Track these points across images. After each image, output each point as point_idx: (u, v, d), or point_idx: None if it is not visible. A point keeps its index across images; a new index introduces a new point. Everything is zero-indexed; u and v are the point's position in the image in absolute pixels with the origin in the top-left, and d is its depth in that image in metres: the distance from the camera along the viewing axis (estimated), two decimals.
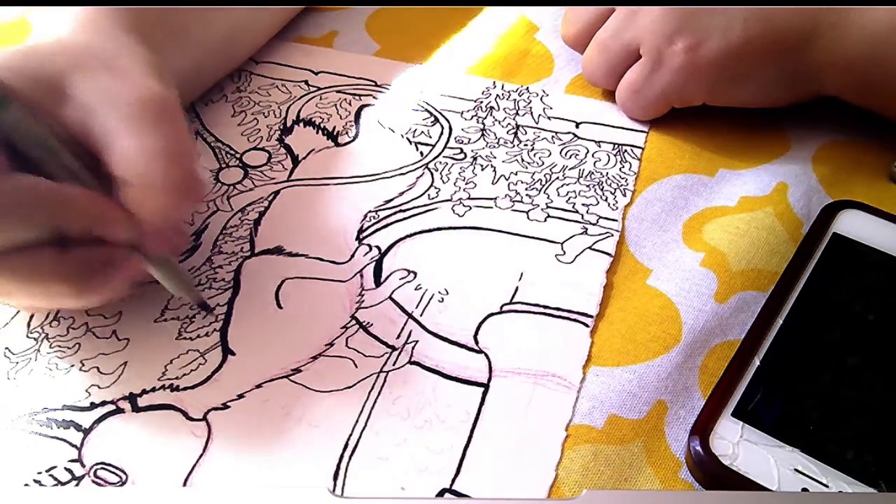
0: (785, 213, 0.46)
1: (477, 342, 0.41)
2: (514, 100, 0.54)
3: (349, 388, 0.40)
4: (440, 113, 0.53)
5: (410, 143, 0.51)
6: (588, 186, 0.48)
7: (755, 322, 0.40)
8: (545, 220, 0.46)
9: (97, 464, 0.38)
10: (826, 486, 0.34)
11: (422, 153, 0.51)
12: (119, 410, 0.40)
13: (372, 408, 0.39)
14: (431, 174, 0.49)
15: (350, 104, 0.54)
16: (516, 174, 0.49)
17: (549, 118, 0.52)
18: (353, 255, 0.46)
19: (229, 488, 0.37)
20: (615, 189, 0.48)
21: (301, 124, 0.53)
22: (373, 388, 0.40)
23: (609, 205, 0.47)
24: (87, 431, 0.39)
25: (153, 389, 0.40)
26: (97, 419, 0.40)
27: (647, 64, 0.49)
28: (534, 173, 0.49)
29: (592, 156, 0.50)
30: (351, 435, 0.38)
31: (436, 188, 0.49)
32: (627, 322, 0.42)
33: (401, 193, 0.49)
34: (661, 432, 0.38)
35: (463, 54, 0.58)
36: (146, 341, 0.42)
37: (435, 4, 0.63)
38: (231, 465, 0.37)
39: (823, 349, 0.39)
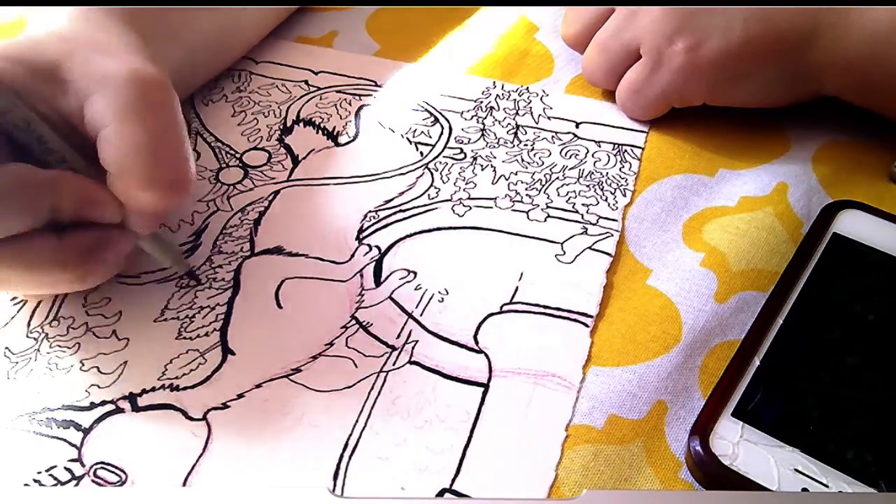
0: (785, 213, 0.46)
1: (477, 342, 0.41)
2: (514, 100, 0.54)
3: (349, 387, 0.40)
4: (440, 113, 0.53)
5: (410, 143, 0.51)
6: (588, 186, 0.48)
7: (755, 322, 0.40)
8: (545, 220, 0.46)
9: (97, 463, 0.38)
10: (826, 486, 0.34)
11: (422, 153, 0.51)
12: (119, 410, 0.40)
13: (372, 407, 0.39)
14: (431, 174, 0.49)
15: (350, 104, 0.54)
16: (516, 174, 0.49)
17: (549, 118, 0.52)
18: (353, 255, 0.46)
19: (229, 488, 0.37)
20: (615, 189, 0.48)
21: (301, 124, 0.53)
22: (373, 387, 0.40)
23: (609, 205, 0.47)
24: (86, 431, 0.39)
25: (153, 389, 0.40)
26: (97, 419, 0.40)
27: (647, 64, 0.49)
28: (534, 173, 0.49)
29: (592, 156, 0.50)
30: (351, 435, 0.38)
31: (436, 188, 0.49)
32: (627, 322, 0.42)
33: (401, 193, 0.49)
34: (661, 432, 0.38)
35: (463, 54, 0.58)
36: (146, 341, 0.42)
37: (435, 4, 0.63)
38: (231, 465, 0.37)
39: (823, 349, 0.39)
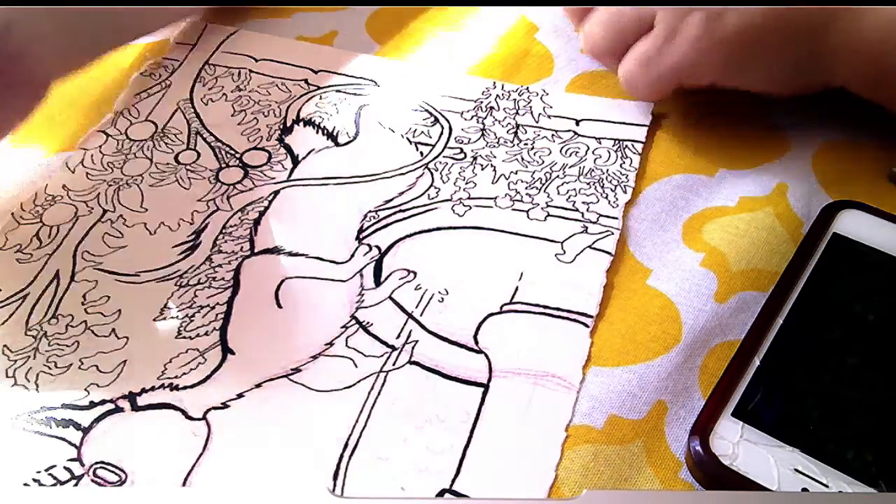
0: (785, 213, 0.46)
1: (477, 342, 0.41)
2: (514, 99, 0.53)
3: (349, 387, 0.40)
4: (440, 113, 0.53)
5: (410, 143, 0.51)
6: (588, 184, 0.48)
7: (755, 322, 0.40)
8: (545, 219, 0.46)
9: (96, 463, 0.38)
10: (826, 486, 0.34)
11: (422, 153, 0.51)
12: (118, 409, 0.40)
13: (372, 408, 0.39)
14: (431, 174, 0.49)
15: (350, 104, 0.54)
16: (516, 173, 0.49)
17: (549, 117, 0.52)
18: (352, 255, 0.46)
19: (229, 488, 0.37)
20: (615, 186, 0.48)
21: (301, 124, 0.53)
22: (372, 387, 0.40)
23: (609, 202, 0.47)
24: (86, 430, 0.39)
25: (152, 388, 0.40)
26: (96, 418, 0.39)
27: (659, 35, 0.48)
28: (534, 172, 0.49)
29: (593, 153, 0.50)
30: (351, 435, 0.38)
31: (436, 188, 0.49)
32: (627, 322, 0.42)
33: (401, 193, 0.49)
34: (661, 432, 0.38)
35: (463, 54, 0.58)
36: (146, 340, 0.42)
37: (435, 4, 0.62)
38: (231, 465, 0.37)
39: (823, 349, 0.38)
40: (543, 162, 0.49)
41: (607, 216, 0.46)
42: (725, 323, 0.41)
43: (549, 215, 0.47)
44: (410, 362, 0.41)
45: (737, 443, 0.36)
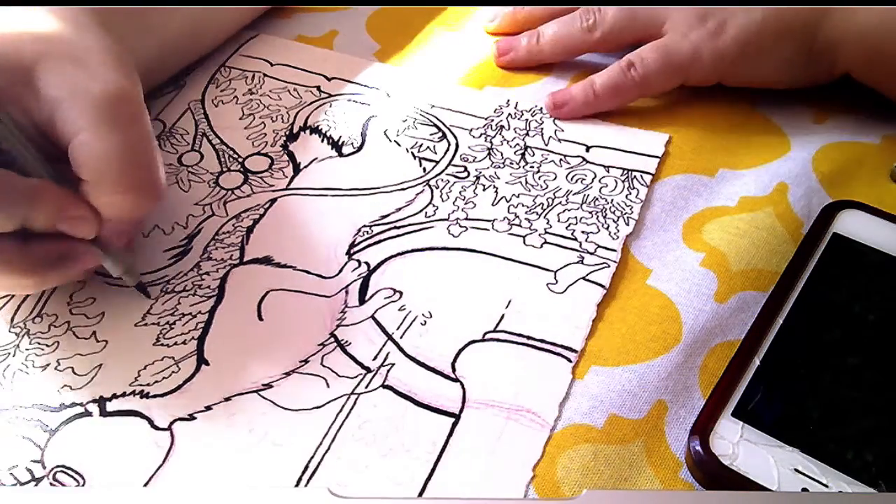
0: (785, 213, 0.45)
1: (454, 370, 0.40)
2: (527, 120, 0.52)
3: (318, 408, 0.39)
4: (448, 129, 0.52)
5: (415, 157, 0.50)
6: (591, 213, 0.46)
7: (755, 322, 0.40)
8: (541, 246, 0.45)
9: (57, 466, 0.38)
10: (826, 486, 0.34)
11: (424, 169, 0.50)
12: (87, 413, 0.40)
13: (338, 431, 0.38)
14: (432, 191, 0.48)
15: (359, 114, 0.54)
16: (518, 196, 0.48)
17: (559, 140, 0.51)
18: (340, 270, 0.45)
19: (230, 486, 0.36)
20: (618, 217, 0.46)
21: (307, 131, 0.53)
22: (341, 410, 0.39)
23: (610, 234, 0.45)
24: (52, 432, 0.39)
25: (123, 394, 0.40)
26: (64, 420, 0.39)
27: (672, 37, 0.51)
28: (536, 197, 0.48)
29: (599, 181, 0.48)
30: (312, 457, 0.37)
31: (434, 206, 0.48)
32: (627, 322, 0.42)
33: (398, 209, 0.48)
34: (661, 432, 0.37)
35: (463, 55, 0.57)
36: (124, 345, 0.42)
37: (435, 4, 0.62)
38: (189, 478, 0.37)
39: (823, 349, 0.38)
40: (547, 187, 0.48)
41: (606, 248, 0.45)
42: (725, 323, 0.41)
43: (545, 242, 0.45)
44: (384, 386, 0.40)
45: (737, 443, 0.35)
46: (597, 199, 0.47)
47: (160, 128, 0.54)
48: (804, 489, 0.34)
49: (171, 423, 0.39)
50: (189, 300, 0.44)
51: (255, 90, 0.56)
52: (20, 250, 0.39)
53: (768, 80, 0.51)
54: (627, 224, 0.46)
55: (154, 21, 0.51)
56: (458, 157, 0.50)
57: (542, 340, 0.41)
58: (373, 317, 0.43)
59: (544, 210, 0.47)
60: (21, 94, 0.39)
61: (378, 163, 0.51)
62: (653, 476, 0.36)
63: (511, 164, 0.50)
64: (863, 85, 0.49)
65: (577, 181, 0.48)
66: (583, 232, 0.46)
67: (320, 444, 0.38)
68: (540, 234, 0.46)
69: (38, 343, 0.43)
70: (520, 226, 0.46)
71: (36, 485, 0.37)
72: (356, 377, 0.40)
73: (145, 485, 0.37)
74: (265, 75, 0.57)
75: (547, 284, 0.43)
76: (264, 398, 0.40)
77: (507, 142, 0.51)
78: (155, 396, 0.40)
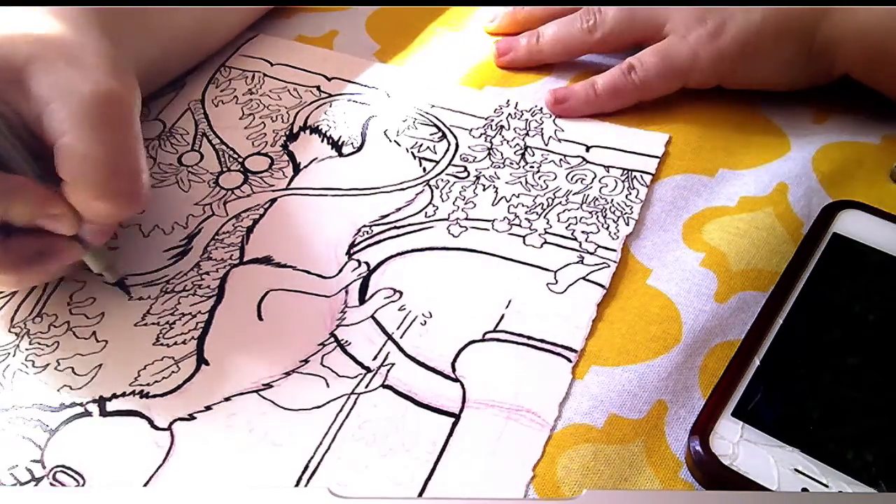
0: (785, 213, 0.45)
1: (454, 370, 0.40)
2: (527, 120, 0.52)
3: (318, 408, 0.39)
4: (449, 129, 0.52)
5: (415, 157, 0.50)
6: (591, 213, 0.46)
7: (755, 322, 0.40)
8: (541, 246, 0.45)
9: (57, 466, 0.38)
10: (826, 486, 0.34)
11: (424, 169, 0.50)
12: (87, 413, 0.40)
13: (338, 431, 0.38)
14: (432, 191, 0.48)
15: (359, 113, 0.54)
16: (518, 196, 0.48)
17: (559, 140, 0.51)
18: (340, 270, 0.45)
19: (230, 486, 0.36)
20: (618, 217, 0.46)
21: (307, 131, 0.53)
22: (341, 410, 0.39)
23: (610, 234, 0.45)
24: (52, 432, 0.39)
25: (123, 394, 0.40)
26: (64, 420, 0.39)
27: (672, 39, 0.51)
28: (536, 197, 0.48)
29: (599, 181, 0.48)
30: (312, 457, 0.37)
31: (434, 206, 0.48)
32: (627, 322, 0.42)
33: (398, 209, 0.48)
34: (661, 432, 0.37)
35: (463, 56, 0.57)
36: (124, 345, 0.42)
37: (435, 4, 0.62)
38: (189, 478, 0.37)
39: (823, 349, 0.38)
40: (547, 187, 0.48)
41: (606, 248, 0.45)
42: (725, 323, 0.41)
43: (545, 242, 0.45)
44: (384, 386, 0.40)
45: (737, 443, 0.35)
46: (597, 199, 0.47)
47: (160, 128, 0.54)
48: (804, 489, 0.34)
49: (171, 422, 0.39)
50: (189, 300, 0.44)
51: (255, 90, 0.56)
52: (1, 246, 0.39)
53: (768, 81, 0.51)
54: (627, 224, 0.46)
55: (156, 23, 0.51)
56: (458, 157, 0.50)
57: (542, 340, 0.41)
58: (373, 317, 0.43)
59: (544, 210, 0.47)
60: (12, 92, 0.39)
61: (378, 163, 0.51)
62: (653, 476, 0.36)
63: (511, 164, 0.50)
64: (863, 85, 0.49)
65: (577, 181, 0.48)
66: (583, 232, 0.46)
67: (320, 443, 0.38)
68: (540, 234, 0.46)
69: (38, 343, 0.43)
70: (520, 226, 0.46)
71: (36, 485, 0.37)
72: (356, 377, 0.40)
73: (145, 485, 0.37)
74: (265, 75, 0.57)
75: (547, 284, 0.43)
76: (264, 398, 0.40)
77: (507, 142, 0.51)
78: (155, 396, 0.40)
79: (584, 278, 0.43)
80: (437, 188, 0.49)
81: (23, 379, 0.41)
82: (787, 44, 0.49)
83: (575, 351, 0.40)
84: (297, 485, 0.36)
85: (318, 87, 0.56)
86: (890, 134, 0.49)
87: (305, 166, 0.51)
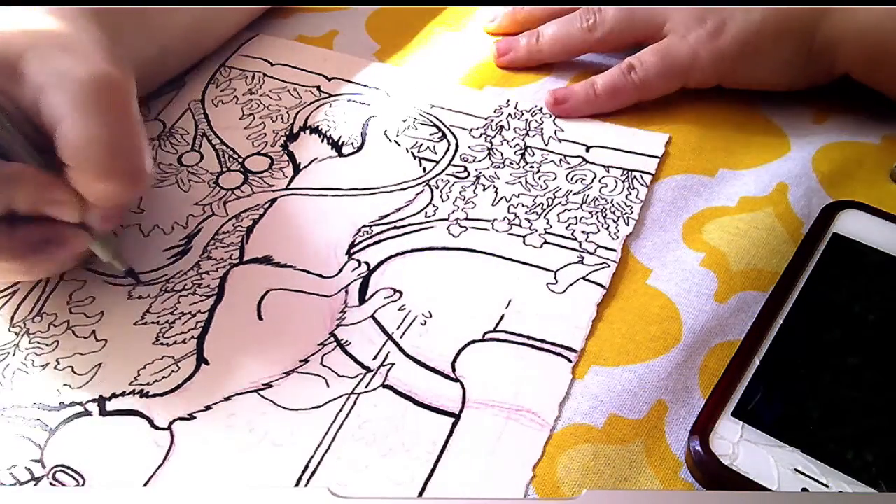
0: (785, 213, 0.45)
1: (454, 369, 0.40)
2: (527, 119, 0.52)
3: (317, 407, 0.39)
4: (448, 129, 0.52)
5: (415, 157, 0.50)
6: (591, 213, 0.46)
7: (755, 322, 0.40)
8: (541, 246, 0.45)
9: (56, 466, 0.38)
10: (826, 486, 0.34)
11: (424, 169, 0.50)
12: (86, 413, 0.40)
13: (338, 431, 0.38)
14: (432, 191, 0.48)
15: (359, 113, 0.54)
16: (518, 196, 0.48)
17: (559, 140, 0.51)
18: (340, 270, 0.45)
19: (229, 487, 0.36)
20: (618, 217, 0.46)
21: (307, 131, 0.53)
22: (341, 409, 0.39)
23: (610, 233, 0.45)
24: (52, 432, 0.39)
25: (123, 394, 0.40)
26: (64, 420, 0.39)
27: (672, 38, 0.51)
28: (536, 197, 0.47)
29: (599, 181, 0.48)
30: (312, 457, 0.37)
31: (434, 206, 0.48)
32: (627, 322, 0.42)
33: (398, 209, 0.48)
34: (661, 432, 0.38)
35: (463, 56, 0.57)
36: (123, 344, 0.42)
37: (435, 4, 0.62)
38: (189, 478, 0.37)
39: (823, 349, 0.38)
40: (547, 187, 0.48)
41: (606, 248, 0.45)
42: (725, 323, 0.41)
43: (545, 242, 0.45)
44: (384, 386, 0.40)
45: (737, 443, 0.35)
46: (597, 199, 0.47)
47: (160, 128, 0.54)
48: (804, 489, 0.34)
49: (171, 422, 0.39)
50: (189, 299, 0.44)
51: (255, 90, 0.56)
52: (7, 234, 0.39)
53: (768, 80, 0.51)
54: (627, 224, 0.46)
55: (154, 22, 0.51)
56: (458, 157, 0.50)
57: (542, 340, 0.41)
58: (373, 317, 0.43)
59: (544, 210, 0.47)
60: (8, 82, 0.39)
61: (378, 163, 0.51)
62: (653, 476, 0.36)
63: (511, 164, 0.50)
64: (863, 85, 0.49)
65: (577, 181, 0.48)
66: (583, 232, 0.46)
67: (320, 443, 0.38)
68: (540, 234, 0.46)
69: (38, 342, 0.43)
70: (520, 226, 0.46)
71: (35, 484, 0.37)
72: (356, 377, 0.40)
73: (145, 485, 0.37)
74: (265, 75, 0.57)
75: (547, 284, 0.43)
76: (264, 398, 0.40)
77: (507, 142, 0.51)
78: (155, 396, 0.40)
79: (584, 278, 0.43)
80: (437, 188, 0.49)
81: (22, 378, 0.41)
82: (787, 43, 0.49)
83: (575, 351, 0.40)
84: (297, 485, 0.36)
85: (318, 87, 0.56)
86: (890, 134, 0.49)
87: (305, 166, 0.51)
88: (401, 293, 0.44)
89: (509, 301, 0.43)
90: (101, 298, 0.44)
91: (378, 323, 0.42)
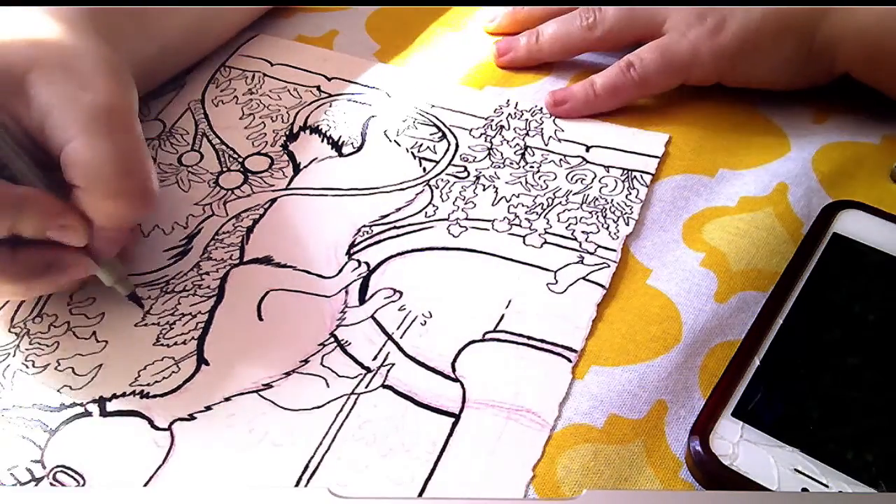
0: (785, 214, 0.45)
1: (454, 369, 0.40)
2: (527, 119, 0.52)
3: (318, 408, 0.39)
4: (449, 129, 0.52)
5: (415, 157, 0.50)
6: (590, 213, 0.46)
7: (755, 322, 0.40)
8: (541, 246, 0.45)
9: (57, 466, 0.38)
10: (826, 486, 0.34)
11: (424, 169, 0.50)
12: (87, 414, 0.40)
13: (338, 431, 0.38)
14: (432, 191, 0.48)
15: (359, 113, 0.54)
16: (518, 196, 0.48)
17: (559, 140, 0.51)
18: (340, 270, 0.45)
19: (229, 487, 0.36)
20: (618, 217, 0.46)
21: (307, 131, 0.53)
22: (341, 410, 0.39)
23: (610, 233, 0.45)
24: (52, 432, 0.39)
25: (123, 395, 0.40)
26: (64, 420, 0.39)
27: (672, 36, 0.51)
28: (536, 197, 0.47)
29: (599, 181, 0.48)
30: (312, 457, 0.37)
31: (434, 206, 0.48)
32: (627, 322, 0.42)
33: (398, 209, 0.48)
34: (661, 432, 0.38)
35: (461, 57, 0.57)
36: (124, 345, 0.42)
37: (435, 4, 0.62)
38: (189, 478, 0.37)
39: (823, 349, 0.38)
40: (547, 187, 0.48)
41: (606, 248, 0.45)
42: (725, 323, 0.41)
43: (545, 242, 0.45)
44: (384, 386, 0.40)
45: (737, 443, 0.35)
46: (597, 199, 0.47)
47: (160, 128, 0.54)
48: (804, 489, 0.34)
49: (171, 423, 0.39)
50: (189, 300, 0.44)
51: (255, 90, 0.56)
52: (9, 257, 0.39)
53: (767, 79, 0.51)
54: (627, 224, 0.46)
55: (154, 22, 0.51)
56: (458, 157, 0.50)
57: (542, 340, 0.41)
58: (373, 317, 0.43)
59: (544, 210, 0.47)
60: (12, 101, 0.39)
61: (378, 163, 0.51)
62: (653, 476, 0.36)
63: (511, 164, 0.50)
64: (862, 85, 0.49)
65: (577, 181, 0.48)
66: (583, 232, 0.46)
67: (320, 444, 0.38)
68: (540, 234, 0.46)
69: (38, 343, 0.43)
70: (520, 226, 0.46)
71: (36, 485, 0.37)
72: (356, 377, 0.40)
73: (145, 485, 0.37)
74: (265, 75, 0.57)
75: (547, 284, 0.43)
76: (264, 398, 0.40)
77: (507, 142, 0.51)
78: (155, 396, 0.40)
79: (584, 278, 0.43)
80: (437, 188, 0.49)
81: (23, 379, 0.41)
82: (786, 42, 0.49)
83: (575, 351, 0.40)
84: (297, 485, 0.36)
85: (318, 87, 0.56)
86: (890, 134, 0.49)
87: (305, 166, 0.51)
88: (401, 293, 0.44)
89: (509, 301, 0.43)
90: (101, 299, 0.44)
91: (378, 323, 0.42)
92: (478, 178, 0.49)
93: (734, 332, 0.41)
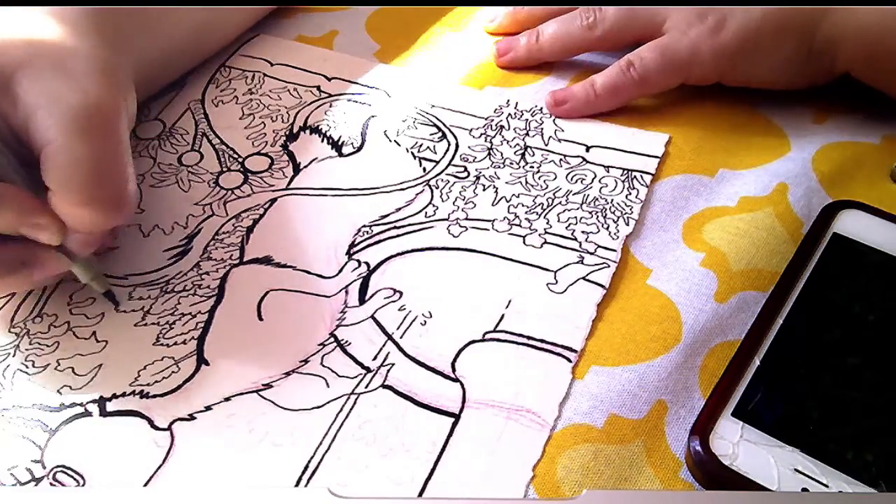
0: (785, 213, 0.45)
1: (454, 369, 0.40)
2: (527, 120, 0.52)
3: (318, 408, 0.39)
4: (449, 129, 0.52)
5: (415, 157, 0.50)
6: (591, 213, 0.46)
7: (755, 322, 0.40)
8: (541, 246, 0.45)
9: (57, 466, 0.38)
10: (826, 486, 0.34)
11: (424, 169, 0.50)
12: (87, 413, 0.40)
13: (338, 431, 0.38)
14: (431, 191, 0.48)
15: (359, 114, 0.54)
16: (518, 196, 0.48)
17: (559, 140, 0.51)
18: (340, 270, 0.45)
19: (229, 487, 0.36)
20: (618, 217, 0.46)
21: (307, 131, 0.53)
22: (341, 410, 0.39)
23: (610, 233, 0.45)
24: (52, 432, 0.39)
25: (123, 395, 0.40)
26: (64, 420, 0.39)
27: (672, 34, 0.51)
28: (536, 197, 0.47)
29: (599, 181, 0.48)
30: (312, 457, 0.37)
31: (434, 206, 0.48)
32: (627, 322, 0.42)
33: (398, 209, 0.48)
34: (661, 432, 0.38)
35: (462, 57, 0.57)
36: (124, 345, 0.42)
37: (435, 4, 0.62)
38: (189, 478, 0.37)
39: (823, 349, 0.38)
40: (547, 187, 0.48)
41: (606, 248, 0.45)
42: (725, 323, 0.41)
43: (545, 242, 0.45)
44: (384, 386, 0.40)
45: (737, 443, 0.35)
46: (597, 199, 0.47)
47: (160, 128, 0.54)
48: (804, 489, 0.34)
49: (171, 422, 0.39)
50: (189, 300, 0.44)
51: (255, 90, 0.56)
52: None
53: (767, 78, 0.51)
54: (627, 224, 0.46)
55: (157, 23, 0.51)
56: (458, 157, 0.50)
57: (542, 340, 0.41)
58: (373, 317, 0.43)
59: (544, 210, 0.47)
60: (0, 99, 0.39)
61: (378, 163, 0.51)
62: (653, 476, 0.36)
63: (511, 164, 0.50)
64: (863, 85, 0.49)
65: (577, 181, 0.48)
66: (583, 232, 0.46)
67: (320, 444, 0.38)
68: (540, 234, 0.46)
69: (38, 343, 0.43)
70: (520, 226, 0.46)
71: (36, 485, 0.37)
72: (356, 377, 0.40)
73: (145, 485, 0.37)
74: (265, 75, 0.57)
75: (547, 284, 0.43)
76: (264, 398, 0.40)
77: (507, 142, 0.51)
78: (155, 396, 0.40)
79: (584, 278, 0.43)
80: (437, 188, 0.49)
81: (23, 379, 0.41)
82: (787, 41, 0.49)
83: (575, 351, 0.40)
84: (297, 485, 0.36)
85: (319, 87, 0.56)
86: (890, 134, 0.49)
87: (305, 166, 0.51)
88: (401, 293, 0.44)
89: (509, 301, 0.43)
90: (101, 300, 0.44)
91: (378, 323, 0.42)
92: (478, 178, 0.49)
93: (734, 332, 0.41)
